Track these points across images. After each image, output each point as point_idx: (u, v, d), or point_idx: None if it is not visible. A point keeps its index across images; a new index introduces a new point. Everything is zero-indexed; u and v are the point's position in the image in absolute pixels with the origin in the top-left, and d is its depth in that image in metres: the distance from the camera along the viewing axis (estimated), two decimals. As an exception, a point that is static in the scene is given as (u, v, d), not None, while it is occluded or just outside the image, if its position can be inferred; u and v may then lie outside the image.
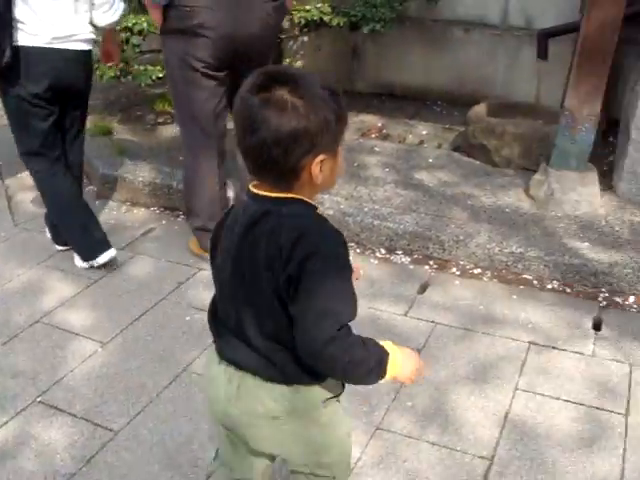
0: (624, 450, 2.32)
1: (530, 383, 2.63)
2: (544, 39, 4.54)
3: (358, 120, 4.93)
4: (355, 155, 4.23)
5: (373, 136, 4.76)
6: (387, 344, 1.40)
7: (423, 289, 3.24)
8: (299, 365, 1.37)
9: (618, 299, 3.16)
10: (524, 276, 3.33)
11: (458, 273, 3.38)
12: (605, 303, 3.14)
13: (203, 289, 3.18)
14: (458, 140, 4.55)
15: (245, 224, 1.37)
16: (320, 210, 1.41)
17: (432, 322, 2.98)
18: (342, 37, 5.26)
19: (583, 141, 3.57)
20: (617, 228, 3.46)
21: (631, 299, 3.14)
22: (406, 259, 3.50)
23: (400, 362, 1.39)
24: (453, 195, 3.78)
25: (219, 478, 1.77)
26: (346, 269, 1.33)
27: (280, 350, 1.38)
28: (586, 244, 3.32)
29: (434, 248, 3.48)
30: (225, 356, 1.48)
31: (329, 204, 3.62)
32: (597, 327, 2.96)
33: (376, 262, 3.47)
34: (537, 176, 3.74)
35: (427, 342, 2.85)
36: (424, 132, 4.80)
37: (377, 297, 3.15)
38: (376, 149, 4.37)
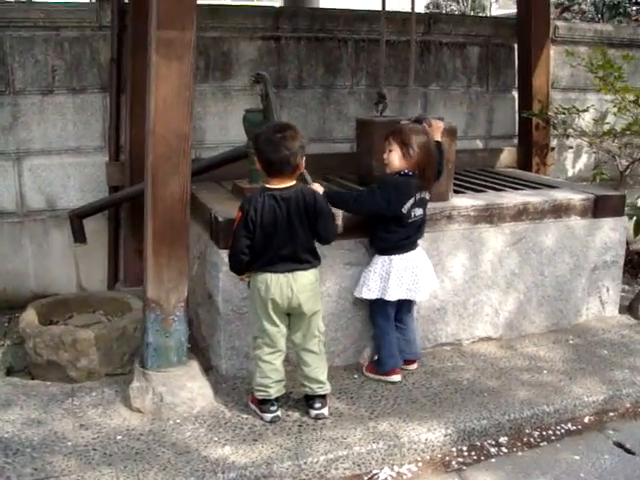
0: None
1: None
2: (78, 220, 4.03)
3: None
4: None
5: None
6: None
7: None
8: (316, 258, 3.07)
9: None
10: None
11: None
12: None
13: None
14: (9, 359, 3.65)
15: (288, 199, 2.93)
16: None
17: None
18: None
19: (178, 332, 3.15)
20: (245, 416, 3.11)
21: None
22: None
23: None
24: (42, 442, 2.90)
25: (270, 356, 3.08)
26: None
27: (311, 254, 3.04)
28: (227, 448, 2.86)
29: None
30: (281, 270, 2.96)
31: None
32: None
33: None
34: (135, 384, 3.15)
35: None
36: (-41, 362, 3.72)
37: None
38: None
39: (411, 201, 3.31)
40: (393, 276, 3.33)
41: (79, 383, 3.38)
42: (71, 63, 4.18)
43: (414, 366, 3.59)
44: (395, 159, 3.31)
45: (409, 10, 4.33)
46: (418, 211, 3.36)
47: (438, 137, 3.54)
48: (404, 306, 3.49)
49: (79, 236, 4.04)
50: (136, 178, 4.09)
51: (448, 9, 12.77)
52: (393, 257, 3.35)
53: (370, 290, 3.38)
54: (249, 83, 4.49)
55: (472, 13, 12.87)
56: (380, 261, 3.38)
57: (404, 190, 3.30)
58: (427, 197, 3.42)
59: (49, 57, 4.12)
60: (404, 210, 3.30)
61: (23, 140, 4.19)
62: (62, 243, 4.35)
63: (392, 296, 3.34)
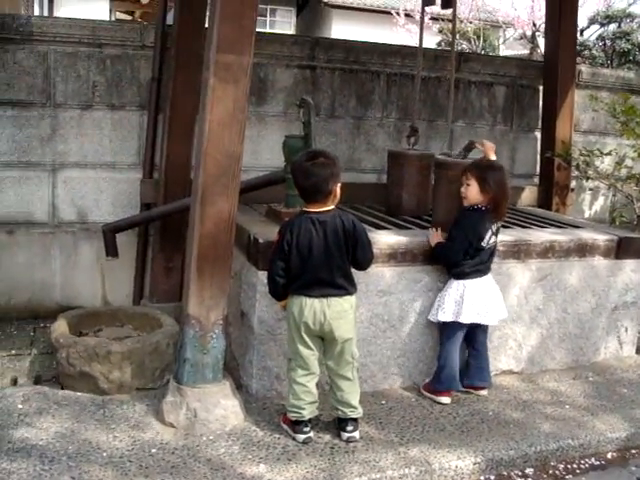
0: None
1: None
2: (111, 235, 4.08)
3: None
4: None
5: None
6: None
7: None
8: (352, 285, 3.10)
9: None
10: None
11: None
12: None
13: None
14: (37, 368, 3.67)
15: (324, 222, 2.99)
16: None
17: None
18: None
19: (215, 349, 3.19)
20: (277, 435, 3.14)
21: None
22: None
23: None
24: (77, 451, 2.91)
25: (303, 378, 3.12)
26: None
27: (347, 280, 3.07)
28: (262, 466, 2.89)
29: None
30: (315, 294, 3.01)
31: None
32: None
33: None
34: (170, 398, 3.18)
35: None
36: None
37: None
38: None
39: (489, 233, 3.51)
40: (467, 300, 3.49)
41: (110, 395, 3.41)
42: (112, 80, 4.28)
43: (485, 392, 3.71)
44: (473, 193, 3.47)
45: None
46: (492, 239, 3.55)
47: (493, 156, 3.68)
48: (479, 334, 3.65)
49: (111, 250, 4.09)
50: (170, 196, 4.16)
51: (459, 48, 13.03)
52: (467, 282, 3.51)
53: (445, 313, 3.54)
54: (294, 107, 4.54)
55: (483, 52, 13.14)
56: (455, 285, 3.54)
57: (481, 226, 3.49)
58: (500, 225, 3.62)
59: (91, 73, 4.23)
60: (484, 244, 3.50)
61: (60, 152, 4.26)
62: (90, 256, 4.40)
63: (465, 319, 3.50)
